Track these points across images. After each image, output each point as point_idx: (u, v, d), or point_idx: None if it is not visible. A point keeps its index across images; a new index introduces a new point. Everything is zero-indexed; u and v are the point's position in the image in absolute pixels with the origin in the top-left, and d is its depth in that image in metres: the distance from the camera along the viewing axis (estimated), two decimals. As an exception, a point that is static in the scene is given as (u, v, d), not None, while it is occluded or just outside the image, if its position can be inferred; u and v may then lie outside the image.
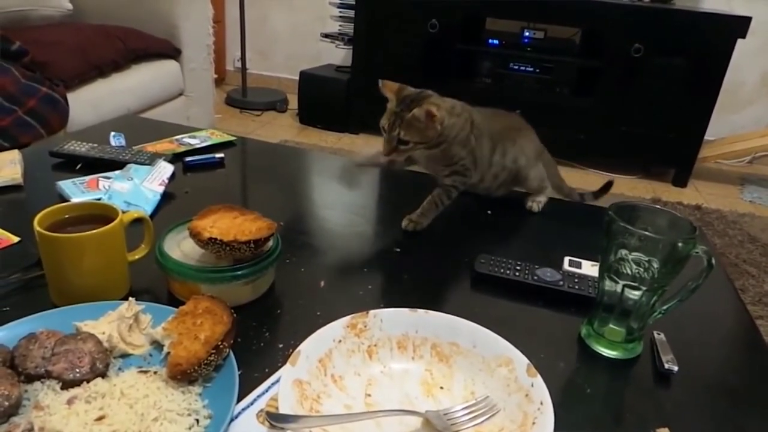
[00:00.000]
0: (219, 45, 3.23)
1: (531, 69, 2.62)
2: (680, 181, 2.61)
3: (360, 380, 0.56)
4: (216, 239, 0.62)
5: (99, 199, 0.84)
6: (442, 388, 0.57)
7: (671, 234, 0.61)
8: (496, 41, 2.69)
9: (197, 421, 0.49)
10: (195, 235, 0.64)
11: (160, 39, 2.08)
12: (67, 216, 0.66)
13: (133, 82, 1.95)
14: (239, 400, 0.52)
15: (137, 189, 0.89)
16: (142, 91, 1.98)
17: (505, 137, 0.96)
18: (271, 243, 0.69)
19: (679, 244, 0.58)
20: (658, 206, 0.66)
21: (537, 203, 1.01)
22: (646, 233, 0.58)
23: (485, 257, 0.78)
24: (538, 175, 1.01)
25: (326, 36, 2.99)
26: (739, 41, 2.30)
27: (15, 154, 0.99)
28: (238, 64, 3.32)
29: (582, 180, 2.49)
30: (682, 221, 0.62)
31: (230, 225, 0.66)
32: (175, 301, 0.64)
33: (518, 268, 0.77)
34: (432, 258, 0.83)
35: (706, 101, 2.42)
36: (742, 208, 2.40)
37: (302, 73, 2.93)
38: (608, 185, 1.09)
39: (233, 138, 1.20)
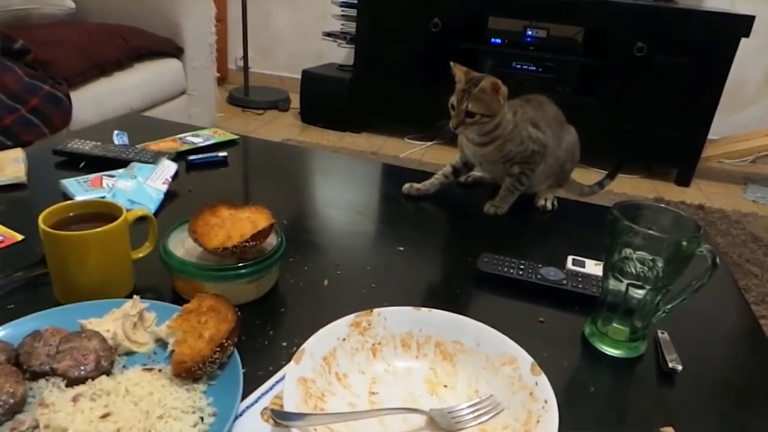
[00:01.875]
0: (221, 44, 3.23)
1: (533, 68, 2.62)
2: (683, 181, 2.60)
3: (364, 378, 0.57)
4: (226, 247, 0.63)
5: (103, 198, 0.84)
6: (446, 386, 0.57)
7: (676, 233, 0.61)
8: (498, 40, 2.69)
9: (202, 418, 0.49)
10: (201, 245, 0.64)
11: (163, 38, 2.08)
12: (71, 214, 0.66)
13: (136, 81, 1.95)
14: (243, 397, 0.52)
15: (141, 187, 0.89)
16: (145, 90, 1.98)
17: (558, 126, 1.02)
18: (274, 242, 0.69)
19: (684, 243, 0.58)
20: (662, 205, 0.65)
21: (551, 201, 1.02)
22: (651, 232, 0.58)
23: (489, 256, 0.78)
24: (571, 170, 1.05)
25: (328, 35, 2.99)
26: (743, 40, 2.29)
27: (18, 153, 0.99)
28: (240, 63, 3.32)
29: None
30: (686, 220, 0.62)
31: (230, 226, 0.66)
32: (179, 299, 0.65)
33: (522, 267, 0.76)
34: (435, 257, 0.83)
35: (709, 100, 2.41)
36: (745, 207, 2.40)
37: (304, 72, 2.93)
38: (618, 166, 1.15)
39: (236, 137, 1.21)
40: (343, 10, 2.86)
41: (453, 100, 0.92)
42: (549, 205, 1.01)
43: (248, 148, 1.21)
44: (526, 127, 0.96)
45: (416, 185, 1.01)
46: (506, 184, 0.98)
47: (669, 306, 0.64)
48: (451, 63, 0.94)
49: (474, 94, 0.89)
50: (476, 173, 1.07)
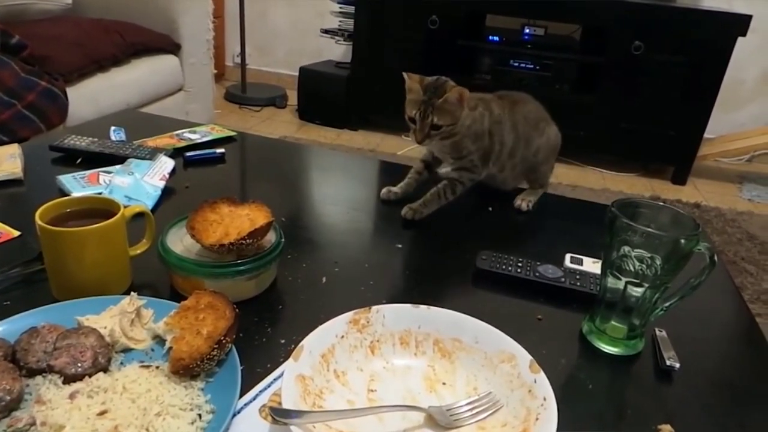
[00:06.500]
0: (219, 40, 3.21)
1: (531, 66, 2.62)
2: (679, 179, 2.61)
3: (363, 376, 0.56)
4: (223, 244, 0.63)
5: (100, 194, 0.84)
6: (444, 383, 0.57)
7: (674, 231, 0.61)
8: (496, 38, 2.69)
9: (200, 416, 0.49)
10: (198, 241, 0.64)
11: (160, 34, 2.07)
12: (68, 210, 0.66)
13: (133, 77, 1.94)
14: (242, 395, 0.52)
15: (138, 184, 0.89)
16: (142, 86, 1.97)
17: (530, 127, 0.97)
18: (272, 239, 0.69)
19: (682, 241, 0.58)
20: (660, 203, 0.66)
21: (527, 202, 0.99)
22: (649, 230, 0.58)
23: (487, 254, 0.78)
24: (548, 172, 1.02)
25: (326, 32, 2.98)
26: (740, 39, 2.30)
27: (15, 148, 0.99)
28: (238, 60, 3.31)
29: (581, 177, 2.49)
30: (684, 218, 0.62)
31: (228, 223, 0.66)
32: (176, 296, 0.64)
33: (520, 264, 0.76)
34: (434, 254, 0.83)
35: (705, 99, 2.41)
36: (741, 206, 2.41)
37: (302, 69, 2.93)
38: None
39: (234, 133, 1.20)
40: (341, 7, 2.85)
41: (413, 113, 0.85)
42: (524, 206, 0.98)
43: (246, 145, 1.21)
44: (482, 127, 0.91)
45: (393, 189, 0.97)
46: (438, 189, 0.91)
47: (667, 304, 0.64)
48: (404, 74, 0.87)
49: (438, 106, 0.83)
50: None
